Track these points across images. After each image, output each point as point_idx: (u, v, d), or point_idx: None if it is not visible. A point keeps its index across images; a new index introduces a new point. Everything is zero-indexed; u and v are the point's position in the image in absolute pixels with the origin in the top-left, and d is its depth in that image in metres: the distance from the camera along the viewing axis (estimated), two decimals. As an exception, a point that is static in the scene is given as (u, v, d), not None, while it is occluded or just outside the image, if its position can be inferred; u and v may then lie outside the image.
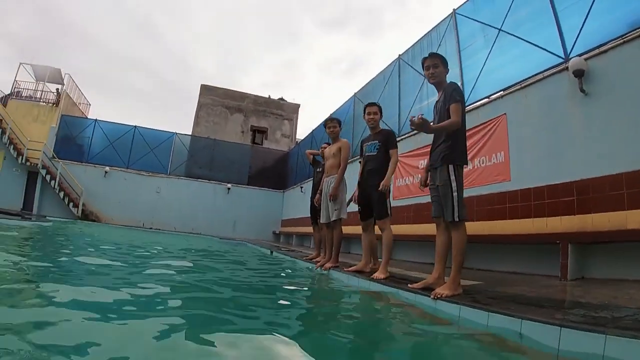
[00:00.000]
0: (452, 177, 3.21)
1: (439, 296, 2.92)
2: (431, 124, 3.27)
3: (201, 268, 5.20)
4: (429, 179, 3.61)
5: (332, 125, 5.70)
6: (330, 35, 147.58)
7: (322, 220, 5.55)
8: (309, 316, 2.85)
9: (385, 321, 2.80)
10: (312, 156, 7.01)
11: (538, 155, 5.39)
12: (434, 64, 3.47)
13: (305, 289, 4.28)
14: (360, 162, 5.13)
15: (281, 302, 3.29)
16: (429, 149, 3.60)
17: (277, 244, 15.28)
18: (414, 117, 3.00)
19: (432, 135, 3.53)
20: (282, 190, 20.30)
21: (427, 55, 3.56)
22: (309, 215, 7.19)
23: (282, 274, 5.48)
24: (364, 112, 5.01)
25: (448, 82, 3.51)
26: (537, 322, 2.09)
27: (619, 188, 4.20)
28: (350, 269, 4.78)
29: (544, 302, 2.87)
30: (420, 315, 2.82)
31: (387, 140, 4.76)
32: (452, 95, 3.29)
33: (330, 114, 14.56)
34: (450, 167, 3.24)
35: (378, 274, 4.17)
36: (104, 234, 10.26)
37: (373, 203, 4.69)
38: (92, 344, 1.59)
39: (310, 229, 8.09)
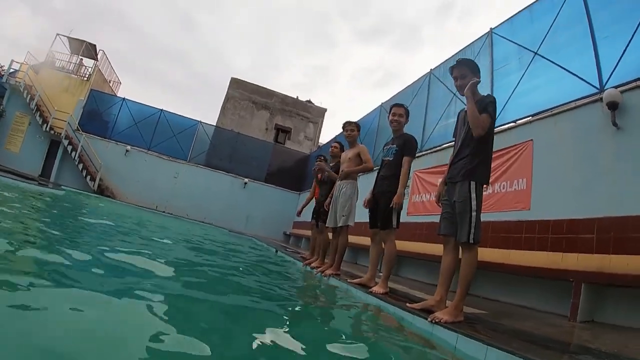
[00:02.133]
0: (473, 195, 2.99)
1: (437, 320, 2.71)
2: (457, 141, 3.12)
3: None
4: (443, 194, 3.38)
5: (349, 128, 5.56)
6: (365, 45, 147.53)
7: (329, 224, 5.42)
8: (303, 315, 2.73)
9: (370, 336, 2.67)
10: (320, 175, 6.68)
11: (562, 186, 5.15)
12: (461, 75, 3.23)
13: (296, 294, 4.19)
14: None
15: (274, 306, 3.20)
16: None
17: (286, 244, 15.21)
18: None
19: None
20: (298, 192, 20.25)
21: (454, 64, 3.33)
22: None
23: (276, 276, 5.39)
24: (389, 113, 4.71)
25: (484, 94, 3.26)
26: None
27: (644, 231, 3.97)
28: (354, 280, 4.58)
29: (550, 342, 2.69)
30: (413, 338, 2.67)
31: (404, 146, 4.48)
32: (487, 107, 3.04)
33: (357, 122, 14.42)
34: (472, 183, 3.01)
35: (377, 288, 4.00)
36: (111, 213, 10.33)
37: (379, 211, 4.48)
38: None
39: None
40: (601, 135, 4.71)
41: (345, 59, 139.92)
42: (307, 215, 8.03)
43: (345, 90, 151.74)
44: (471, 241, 2.92)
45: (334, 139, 16.57)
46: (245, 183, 19.69)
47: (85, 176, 17.44)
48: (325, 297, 4.24)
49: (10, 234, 3.23)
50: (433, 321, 2.72)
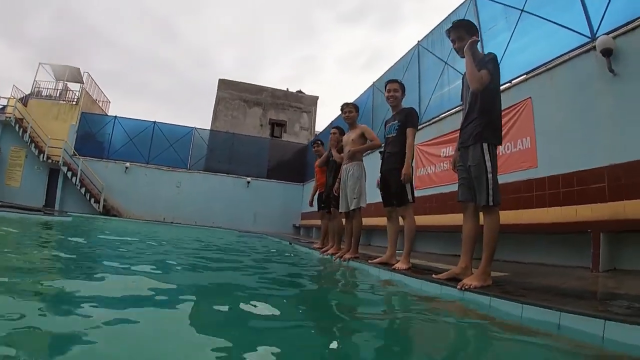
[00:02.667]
0: (487, 157, 2.94)
1: (466, 287, 2.72)
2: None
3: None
4: (458, 159, 3.36)
5: (347, 110, 5.54)
6: (348, 29, 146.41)
7: (341, 209, 5.43)
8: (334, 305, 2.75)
9: (406, 310, 2.69)
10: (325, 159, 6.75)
11: (566, 140, 5.15)
12: (458, 37, 3.19)
13: (319, 278, 4.21)
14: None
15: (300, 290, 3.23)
16: (452, 136, 3.40)
17: (298, 236, 15.28)
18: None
19: (455, 123, 3.33)
20: (301, 183, 20.25)
21: (450, 27, 3.29)
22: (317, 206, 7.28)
23: (295, 265, 5.42)
24: (385, 89, 4.70)
25: (485, 52, 3.26)
26: (578, 314, 1.96)
27: (655, 172, 3.98)
28: (374, 260, 4.59)
29: (580, 293, 2.72)
30: (447, 307, 2.69)
31: (406, 119, 4.47)
32: (487, 64, 3.00)
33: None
34: (485, 145, 2.97)
35: (400, 265, 4.02)
36: (120, 229, 10.37)
37: (392, 189, 4.50)
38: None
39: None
40: (598, 84, 4.70)
41: (330, 46, 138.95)
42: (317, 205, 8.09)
43: (334, 77, 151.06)
44: (491, 204, 2.90)
45: (330, 125, 16.57)
46: (248, 182, 19.72)
47: (89, 199, 17.49)
48: (352, 279, 4.24)
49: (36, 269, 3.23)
50: (462, 288, 2.74)
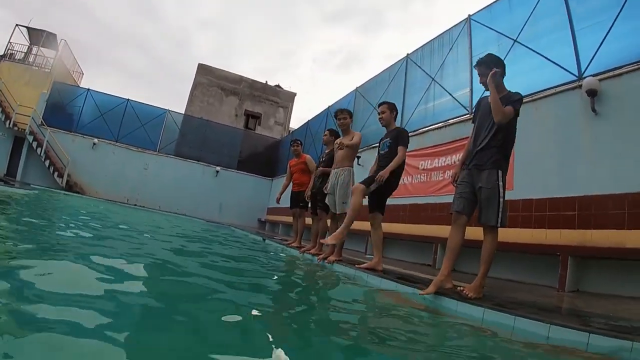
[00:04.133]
0: (500, 183, 3.23)
1: (465, 294, 3.01)
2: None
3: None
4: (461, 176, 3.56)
5: (342, 116, 5.71)
6: (329, 28, 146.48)
7: (332, 209, 5.58)
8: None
9: (401, 318, 2.87)
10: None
11: (543, 168, 5.53)
12: (482, 73, 3.47)
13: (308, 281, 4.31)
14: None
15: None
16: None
17: (263, 231, 15.31)
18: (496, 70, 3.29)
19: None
20: (271, 178, 20.24)
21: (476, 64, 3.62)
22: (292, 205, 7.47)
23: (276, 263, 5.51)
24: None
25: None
26: (566, 327, 2.20)
27: (621, 208, 4.37)
28: (361, 266, 4.66)
29: (556, 309, 3.00)
30: (439, 314, 2.90)
31: (397, 137, 4.83)
32: (514, 103, 3.29)
33: (329, 107, 14.60)
34: (500, 172, 3.26)
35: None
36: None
37: (376, 197, 4.82)
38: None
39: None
40: (580, 120, 5.09)
41: (310, 43, 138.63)
42: (285, 202, 8.20)
43: (310, 74, 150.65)
44: (499, 225, 3.21)
45: (306, 125, 16.74)
46: (217, 171, 19.49)
47: (53, 172, 16.72)
48: (342, 284, 4.22)
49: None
50: (462, 294, 3.03)
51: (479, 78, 3.54)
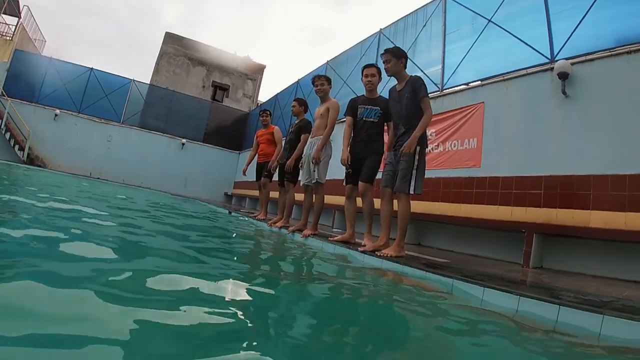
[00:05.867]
0: (417, 157, 3.84)
1: (385, 255, 3.62)
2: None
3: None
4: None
5: (319, 82, 5.41)
6: (300, 1, 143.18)
7: (303, 181, 5.46)
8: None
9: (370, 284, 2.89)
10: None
11: (511, 146, 5.65)
12: (386, 60, 4.04)
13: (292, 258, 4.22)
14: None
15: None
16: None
17: (230, 204, 15.16)
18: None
19: None
20: (238, 152, 19.95)
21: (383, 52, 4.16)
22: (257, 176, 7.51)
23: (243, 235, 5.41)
24: (362, 75, 4.63)
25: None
26: (536, 299, 2.27)
27: (587, 188, 4.54)
28: (335, 238, 4.63)
29: (524, 284, 3.10)
30: (410, 282, 2.93)
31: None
32: (426, 92, 3.91)
33: (299, 79, 14.39)
34: (418, 147, 3.85)
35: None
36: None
37: (365, 167, 4.52)
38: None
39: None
40: (550, 101, 5.21)
41: (278, 16, 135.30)
42: (250, 175, 8.12)
43: (280, 48, 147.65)
44: (412, 192, 3.86)
45: (275, 97, 16.48)
46: (183, 144, 19.00)
47: (13, 145, 15.82)
48: (325, 262, 3.92)
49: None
50: (382, 256, 3.63)
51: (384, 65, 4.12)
